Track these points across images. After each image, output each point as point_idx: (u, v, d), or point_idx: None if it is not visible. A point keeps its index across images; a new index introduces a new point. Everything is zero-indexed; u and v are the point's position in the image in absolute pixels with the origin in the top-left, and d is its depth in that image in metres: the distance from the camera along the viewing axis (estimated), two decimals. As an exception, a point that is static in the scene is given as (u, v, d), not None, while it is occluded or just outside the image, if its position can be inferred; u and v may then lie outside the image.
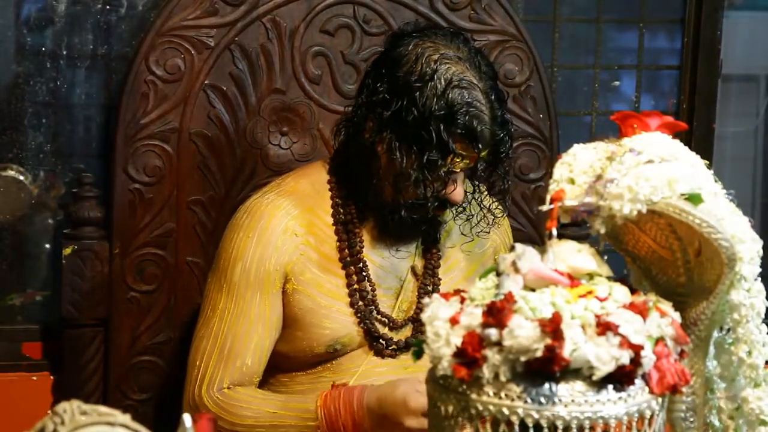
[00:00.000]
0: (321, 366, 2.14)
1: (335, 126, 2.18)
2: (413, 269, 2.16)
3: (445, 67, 2.01)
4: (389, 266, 2.15)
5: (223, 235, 2.17)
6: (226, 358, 2.09)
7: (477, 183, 2.15)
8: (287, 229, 2.11)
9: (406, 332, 2.15)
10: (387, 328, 2.14)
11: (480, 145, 2.01)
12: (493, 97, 2.02)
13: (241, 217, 2.14)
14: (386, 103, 2.03)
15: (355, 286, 2.12)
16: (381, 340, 2.12)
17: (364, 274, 2.12)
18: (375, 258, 2.14)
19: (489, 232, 2.18)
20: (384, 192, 2.08)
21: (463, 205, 2.13)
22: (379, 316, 2.13)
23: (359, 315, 2.11)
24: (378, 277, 2.14)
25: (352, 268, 2.12)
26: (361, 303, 2.12)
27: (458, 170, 2.03)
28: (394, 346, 2.13)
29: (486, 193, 2.20)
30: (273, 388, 2.17)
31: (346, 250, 2.12)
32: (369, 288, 2.12)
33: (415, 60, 2.02)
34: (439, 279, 2.17)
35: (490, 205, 2.17)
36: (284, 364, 2.15)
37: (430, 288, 2.15)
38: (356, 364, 2.13)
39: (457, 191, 2.06)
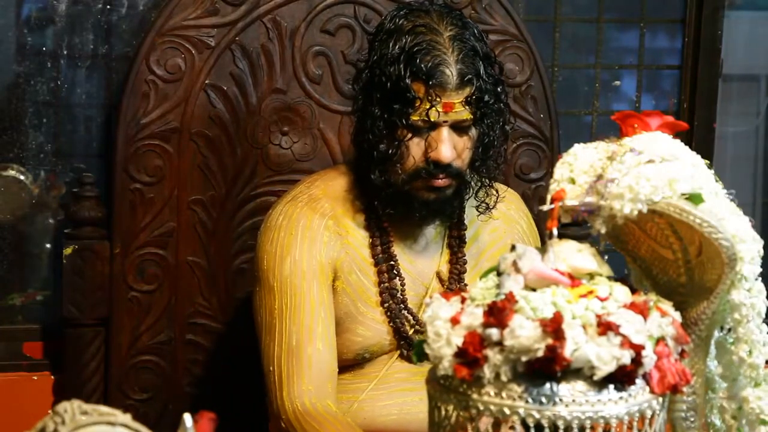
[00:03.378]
0: (345, 370, 2.11)
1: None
2: (438, 275, 2.14)
3: (411, 21, 2.01)
4: (415, 272, 2.13)
5: (257, 245, 2.10)
6: (296, 352, 2.01)
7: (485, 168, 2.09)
8: (329, 227, 2.07)
9: None
10: (412, 330, 2.11)
11: (442, 86, 1.97)
12: (460, 43, 1.99)
13: (276, 219, 2.09)
14: (363, 71, 2.06)
15: (386, 284, 2.09)
16: (407, 341, 2.09)
17: (395, 271, 2.10)
18: (402, 263, 2.12)
19: (491, 209, 2.12)
20: (375, 159, 2.03)
21: (484, 203, 2.11)
22: (406, 314, 2.10)
23: (389, 314, 2.09)
24: (405, 281, 2.12)
25: (384, 266, 2.09)
26: (391, 301, 2.09)
27: (434, 121, 1.99)
28: None
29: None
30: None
31: (378, 247, 2.09)
32: (399, 285, 2.10)
33: (387, 22, 2.05)
34: (465, 285, 2.12)
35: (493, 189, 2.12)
36: None
37: None
38: (377, 369, 2.11)
39: (441, 148, 2.00)
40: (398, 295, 2.10)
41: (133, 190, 2.36)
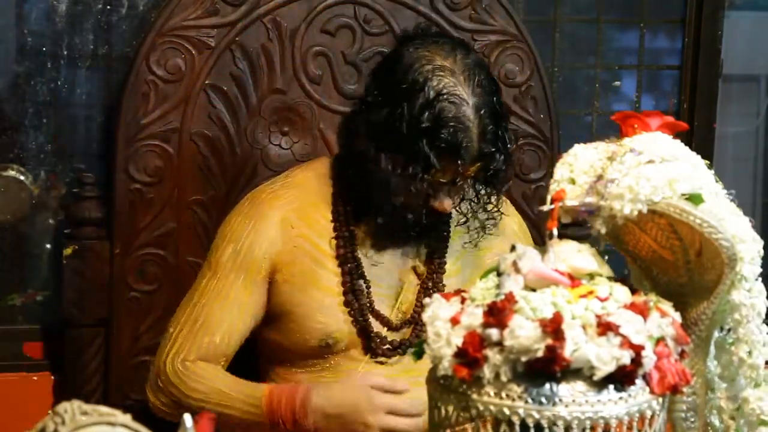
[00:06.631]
0: (320, 365, 2.13)
1: (339, 125, 2.18)
2: (415, 269, 2.16)
3: (437, 79, 1.97)
4: (391, 264, 2.14)
5: (225, 218, 2.20)
6: (196, 332, 2.11)
7: (477, 192, 2.12)
8: (284, 219, 2.12)
9: (405, 334, 2.14)
10: (384, 328, 2.13)
11: (464, 161, 1.97)
12: (484, 112, 1.98)
13: (243, 203, 2.18)
14: (378, 108, 2.02)
15: (350, 284, 2.12)
16: (375, 339, 2.11)
17: (359, 272, 2.12)
18: (375, 256, 2.13)
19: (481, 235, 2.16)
20: (373, 195, 2.06)
21: (466, 215, 2.13)
22: (374, 315, 2.13)
23: (352, 313, 2.11)
24: (378, 276, 2.13)
25: (348, 266, 2.12)
26: (355, 301, 2.11)
27: (444, 182, 2.01)
28: (388, 345, 2.12)
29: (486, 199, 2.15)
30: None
31: (342, 249, 2.12)
32: (364, 286, 2.12)
33: (409, 68, 2.00)
34: (443, 285, 2.15)
35: (487, 217, 2.14)
36: (283, 357, 2.16)
37: (432, 293, 2.14)
38: (354, 366, 2.12)
39: (444, 202, 2.04)
40: (363, 294, 2.12)
41: (133, 190, 2.36)
